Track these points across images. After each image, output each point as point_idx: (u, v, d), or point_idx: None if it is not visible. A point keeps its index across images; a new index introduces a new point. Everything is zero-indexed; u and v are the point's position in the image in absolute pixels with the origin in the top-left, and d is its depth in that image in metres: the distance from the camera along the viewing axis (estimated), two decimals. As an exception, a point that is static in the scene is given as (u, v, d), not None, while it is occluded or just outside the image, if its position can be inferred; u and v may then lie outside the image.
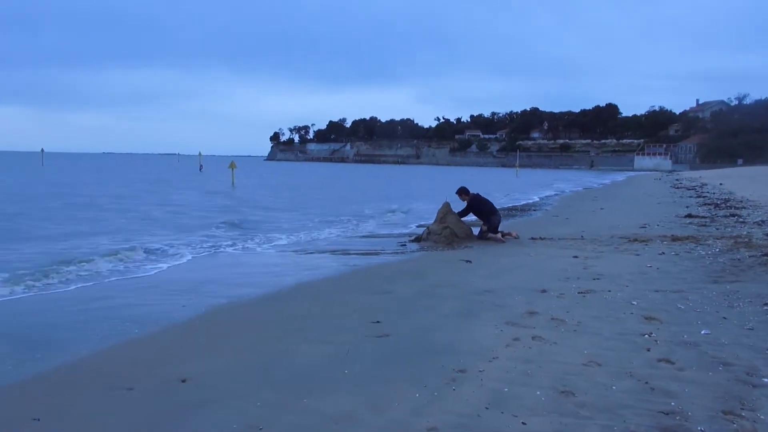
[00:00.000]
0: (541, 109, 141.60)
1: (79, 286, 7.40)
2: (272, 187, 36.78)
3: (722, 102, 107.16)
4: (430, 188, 35.00)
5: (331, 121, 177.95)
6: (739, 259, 7.89)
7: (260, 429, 3.23)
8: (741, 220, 12.96)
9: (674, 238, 10.25)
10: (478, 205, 11.40)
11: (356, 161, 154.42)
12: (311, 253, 10.37)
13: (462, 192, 11.59)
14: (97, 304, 6.45)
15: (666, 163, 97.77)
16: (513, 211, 19.45)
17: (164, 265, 8.98)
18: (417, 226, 14.25)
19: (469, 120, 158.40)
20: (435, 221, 11.24)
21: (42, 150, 72.97)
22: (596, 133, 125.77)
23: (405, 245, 10.95)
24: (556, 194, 30.80)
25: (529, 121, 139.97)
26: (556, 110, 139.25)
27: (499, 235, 10.94)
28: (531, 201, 25.18)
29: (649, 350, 4.36)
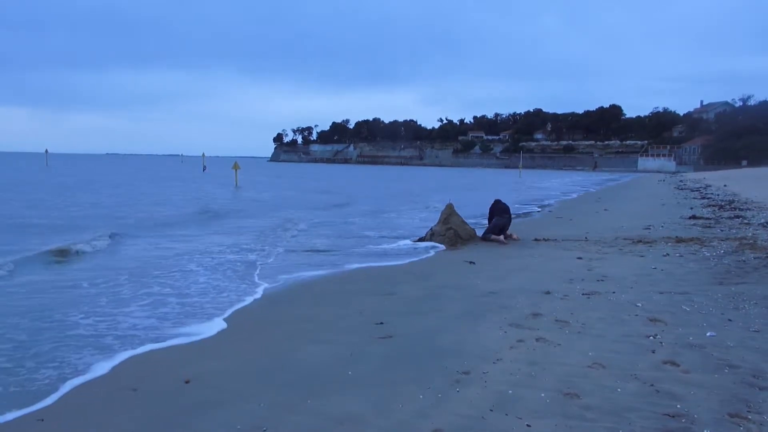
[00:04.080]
0: (544, 110, 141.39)
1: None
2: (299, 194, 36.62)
3: (726, 103, 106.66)
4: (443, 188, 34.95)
5: (334, 122, 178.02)
6: (744, 261, 7.86)
7: (264, 430, 3.23)
8: (745, 221, 12.91)
9: (679, 240, 10.22)
10: (492, 206, 11.63)
11: (359, 162, 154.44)
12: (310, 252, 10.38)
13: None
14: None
15: (670, 164, 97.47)
16: (516, 212, 19.38)
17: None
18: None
19: (472, 121, 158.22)
20: (438, 222, 11.25)
21: (46, 151, 73.18)
22: (600, 134, 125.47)
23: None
24: (560, 195, 30.71)
25: (532, 122, 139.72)
26: (559, 111, 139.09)
27: (501, 237, 10.95)
28: (535, 202, 25.10)
29: (654, 352, 4.34)
